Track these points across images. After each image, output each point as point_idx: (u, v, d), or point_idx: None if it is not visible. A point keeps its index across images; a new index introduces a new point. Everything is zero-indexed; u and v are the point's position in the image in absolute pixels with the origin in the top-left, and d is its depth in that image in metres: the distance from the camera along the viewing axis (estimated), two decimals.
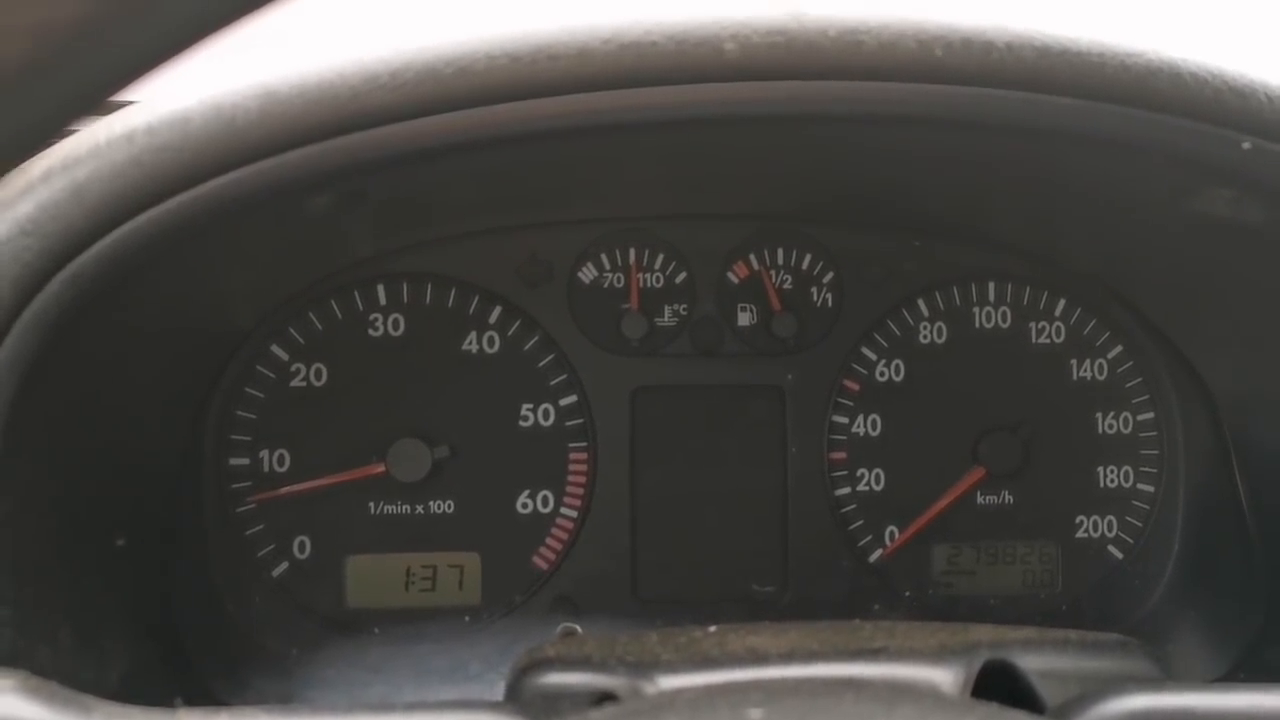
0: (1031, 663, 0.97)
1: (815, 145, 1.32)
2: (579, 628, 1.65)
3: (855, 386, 1.74)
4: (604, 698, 0.94)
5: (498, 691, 1.05)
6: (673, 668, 0.96)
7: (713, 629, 1.06)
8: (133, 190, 0.97)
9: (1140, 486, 1.74)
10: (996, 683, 0.94)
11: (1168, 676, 1.07)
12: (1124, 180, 1.22)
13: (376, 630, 1.64)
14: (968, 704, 0.88)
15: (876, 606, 1.70)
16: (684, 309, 1.73)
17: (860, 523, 1.73)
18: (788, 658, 0.98)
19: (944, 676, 0.94)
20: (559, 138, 1.03)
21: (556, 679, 0.98)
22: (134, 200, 0.97)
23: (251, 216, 1.08)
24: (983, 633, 1.04)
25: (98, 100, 0.54)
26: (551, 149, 1.16)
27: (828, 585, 1.71)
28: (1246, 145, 1.03)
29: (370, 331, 1.67)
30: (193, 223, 1.00)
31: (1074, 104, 1.02)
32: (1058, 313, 1.74)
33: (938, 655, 0.96)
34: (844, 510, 1.73)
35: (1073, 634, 1.07)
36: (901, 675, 0.95)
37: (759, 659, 0.98)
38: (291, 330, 1.66)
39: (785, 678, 0.94)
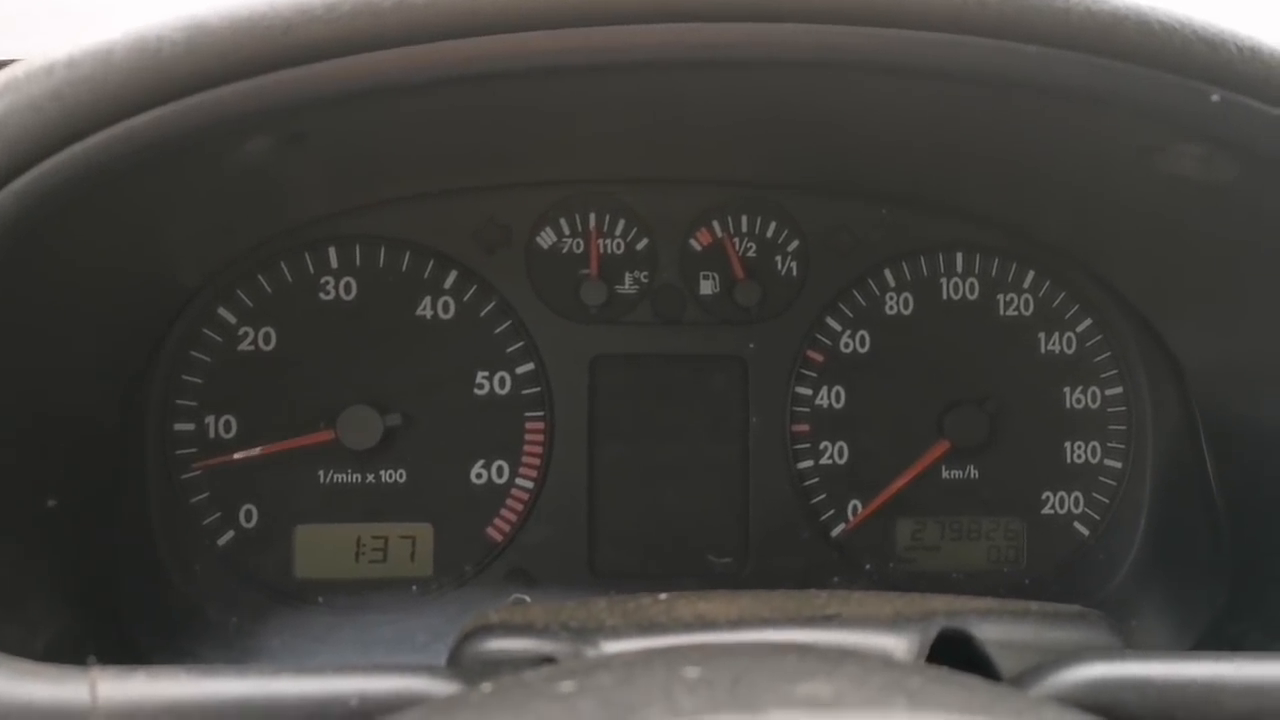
0: (989, 632, 0.94)
1: (778, 103, 1.28)
2: (528, 599, 1.61)
3: (819, 357, 1.70)
4: (546, 662, 0.91)
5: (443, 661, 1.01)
6: (617, 633, 0.93)
7: (663, 596, 1.03)
8: (52, 125, 0.92)
9: (1108, 462, 1.71)
10: (953, 652, 0.91)
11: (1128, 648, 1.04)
12: (1092, 139, 1.19)
13: (322, 600, 1.61)
14: (916, 666, 0.84)
15: (836, 580, 1.67)
16: (645, 276, 1.69)
17: (823, 496, 1.70)
18: (736, 624, 0.95)
19: (898, 644, 0.91)
20: (505, 81, 0.99)
21: (498, 644, 0.95)
22: (53, 135, 0.92)
23: (184, 159, 1.03)
24: (940, 602, 1.01)
25: None
26: (501, 97, 1.12)
27: (788, 559, 1.68)
28: (1215, 98, 0.99)
29: (321, 295, 1.63)
30: (118, 162, 0.95)
31: (1039, 51, 0.98)
32: (1026, 285, 1.71)
33: (892, 623, 0.93)
34: (806, 484, 1.70)
35: (1033, 605, 1.04)
36: (854, 642, 0.92)
37: (707, 625, 0.95)
38: (239, 292, 1.61)
39: (729, 641, 0.90)
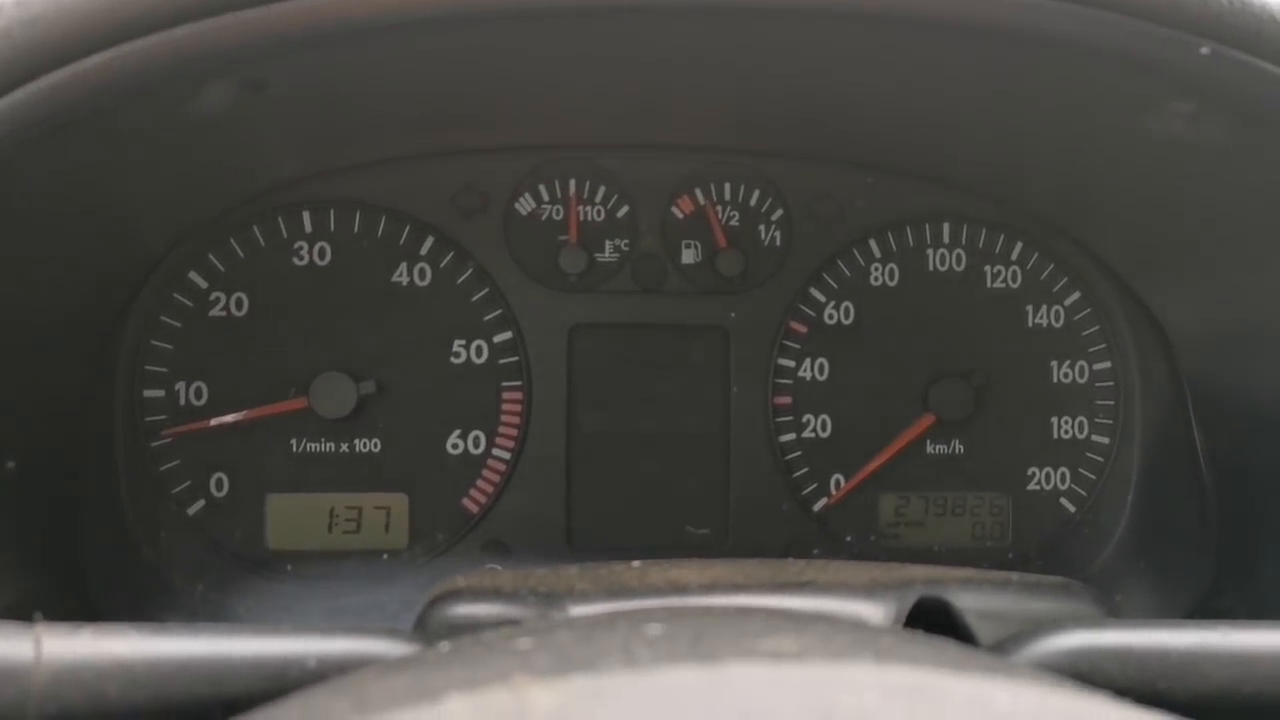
0: (968, 601, 0.91)
1: (761, 65, 1.25)
2: (500, 568, 1.59)
3: (802, 328, 1.67)
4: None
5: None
6: (586, 598, 0.90)
7: (636, 564, 1.00)
8: (1, 66, 0.89)
9: (1095, 438, 1.69)
10: (932, 622, 0.88)
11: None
12: (1080, 99, 1.16)
13: (291, 569, 1.58)
14: (889, 628, 0.82)
15: (817, 552, 1.64)
16: (625, 244, 1.66)
17: (805, 470, 1.67)
18: (709, 589, 0.92)
19: (874, 611, 0.88)
20: (463, 28, 0.96)
21: (465, 609, 0.92)
22: (3, 77, 0.89)
23: (141, 105, 1.00)
24: (918, 571, 0.99)
25: None
26: (466, 48, 1.09)
27: (768, 532, 1.65)
28: (1205, 50, 0.96)
29: (295, 260, 1.60)
30: (71, 106, 0.92)
31: (1027, 0, 0.95)
32: (1014, 256, 1.68)
33: (869, 590, 0.91)
34: (788, 456, 1.67)
35: (1013, 575, 1.01)
36: (828, 608, 0.89)
37: (679, 590, 0.92)
38: (211, 257, 1.58)
39: (697, 605, 0.88)
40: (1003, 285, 1.68)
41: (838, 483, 1.68)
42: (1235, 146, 1.11)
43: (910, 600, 0.89)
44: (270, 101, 1.15)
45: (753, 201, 1.67)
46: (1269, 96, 0.99)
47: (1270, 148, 1.09)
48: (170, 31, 0.89)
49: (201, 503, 1.59)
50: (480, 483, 1.63)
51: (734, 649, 0.63)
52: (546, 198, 1.65)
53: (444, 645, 0.78)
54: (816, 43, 1.15)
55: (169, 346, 1.57)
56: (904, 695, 0.58)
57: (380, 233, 1.61)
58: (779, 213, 1.67)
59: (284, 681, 0.82)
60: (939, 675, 0.61)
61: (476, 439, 1.63)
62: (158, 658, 0.81)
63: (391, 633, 0.89)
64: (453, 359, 1.63)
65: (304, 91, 1.18)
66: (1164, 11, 0.96)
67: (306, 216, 1.60)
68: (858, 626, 0.76)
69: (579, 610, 0.89)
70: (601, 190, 1.66)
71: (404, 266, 1.62)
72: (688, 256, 1.67)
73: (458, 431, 1.63)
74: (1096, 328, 1.68)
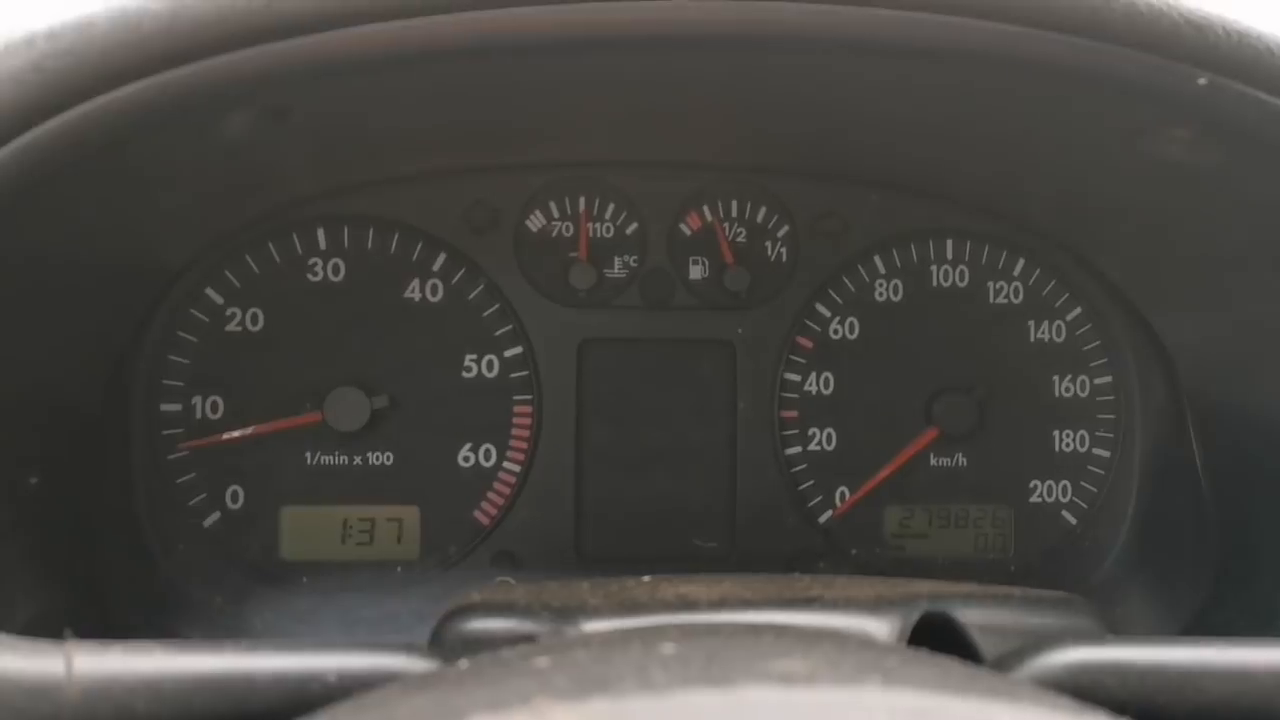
0: (972, 616, 0.94)
1: (769, 86, 1.28)
2: (513, 582, 1.61)
3: (808, 343, 1.70)
4: (526, 642, 0.90)
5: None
6: (599, 613, 0.92)
7: (646, 578, 1.02)
8: (32, 97, 0.91)
9: (1096, 451, 1.71)
10: (936, 636, 0.91)
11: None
12: (1081, 123, 1.18)
13: (306, 580, 1.60)
14: (895, 647, 0.84)
15: (822, 565, 1.66)
16: (634, 260, 1.69)
17: (810, 483, 1.70)
18: (718, 605, 0.94)
19: (879, 627, 0.91)
20: (483, 59, 0.98)
21: (480, 624, 0.94)
22: (34, 108, 0.91)
23: (166, 133, 1.02)
24: (923, 586, 1.01)
25: None
26: (486, 76, 1.11)
27: (774, 544, 1.68)
28: (1202, 81, 0.99)
29: (309, 276, 1.63)
30: (99, 136, 0.94)
31: (1024, 32, 0.97)
32: (1017, 272, 1.71)
33: (874, 606, 0.93)
34: (794, 469, 1.69)
35: (1016, 590, 1.04)
36: (835, 624, 0.91)
37: (689, 606, 0.95)
38: (227, 273, 1.61)
39: (708, 621, 0.90)
40: (1005, 301, 1.71)
41: (843, 495, 1.70)
42: (1233, 168, 1.14)
43: (914, 616, 0.91)
44: (289, 126, 1.17)
45: (759, 218, 1.70)
46: (1266, 125, 1.02)
47: (1268, 170, 1.11)
48: (199, 64, 0.92)
49: (217, 515, 1.61)
50: (491, 495, 1.66)
51: (746, 671, 0.66)
52: (557, 215, 1.68)
53: (463, 663, 0.80)
54: (823, 67, 1.17)
55: (185, 361, 1.60)
56: (910, 718, 0.61)
57: (393, 249, 1.64)
58: (785, 229, 1.70)
59: (306, 696, 0.84)
60: (944, 698, 0.63)
61: (487, 452, 1.66)
62: (184, 674, 0.83)
63: (409, 648, 0.91)
64: (464, 373, 1.65)
65: (323, 116, 1.21)
66: (1162, 43, 0.98)
67: (321, 233, 1.63)
68: (865, 646, 0.79)
69: (592, 626, 0.91)
70: (611, 207, 1.69)
71: (416, 282, 1.64)
72: (695, 272, 1.69)
73: (469, 445, 1.66)
74: (1097, 343, 1.71)
